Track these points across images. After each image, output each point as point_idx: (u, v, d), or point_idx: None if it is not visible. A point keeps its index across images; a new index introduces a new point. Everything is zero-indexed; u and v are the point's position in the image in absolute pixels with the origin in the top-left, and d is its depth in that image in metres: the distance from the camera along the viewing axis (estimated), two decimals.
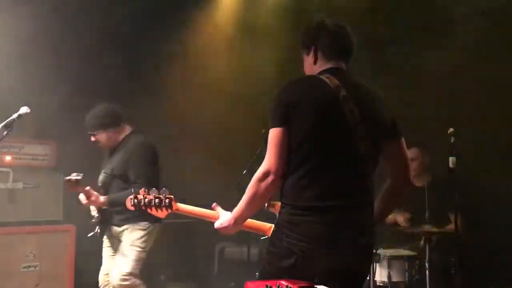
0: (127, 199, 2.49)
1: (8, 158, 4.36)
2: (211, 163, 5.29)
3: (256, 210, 2.16)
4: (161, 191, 2.45)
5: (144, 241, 3.59)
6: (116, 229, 3.67)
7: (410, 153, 4.40)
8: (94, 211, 3.69)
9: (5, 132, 2.95)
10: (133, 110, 4.71)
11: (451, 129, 3.58)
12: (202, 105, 5.49)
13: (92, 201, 3.46)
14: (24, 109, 3.04)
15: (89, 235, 3.72)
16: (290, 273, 1.99)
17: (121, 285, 3.50)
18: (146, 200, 2.43)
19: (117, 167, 3.60)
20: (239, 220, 2.18)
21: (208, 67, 5.55)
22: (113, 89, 5.25)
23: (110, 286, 3.67)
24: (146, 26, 5.41)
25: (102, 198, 3.49)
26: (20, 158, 4.44)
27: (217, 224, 2.25)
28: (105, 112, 3.64)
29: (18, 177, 4.37)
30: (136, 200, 2.45)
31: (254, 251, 4.66)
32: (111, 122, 3.64)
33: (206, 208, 2.40)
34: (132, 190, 2.56)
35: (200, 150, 5.34)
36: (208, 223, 2.35)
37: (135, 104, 4.97)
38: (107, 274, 3.70)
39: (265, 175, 2.04)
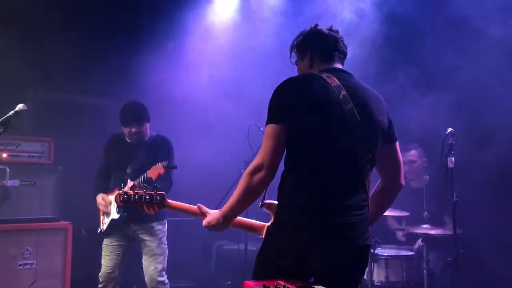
0: (116, 194, 2.35)
1: (4, 155, 4.32)
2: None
3: (246, 207, 2.07)
4: (151, 187, 2.30)
5: (165, 237, 3.81)
6: (134, 227, 3.74)
7: (410, 156, 4.44)
8: (112, 213, 3.68)
9: (1, 129, 2.91)
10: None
11: (449, 129, 3.57)
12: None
13: None
14: (20, 106, 3.00)
15: (98, 231, 3.82)
16: (285, 273, 1.95)
17: (158, 281, 3.68)
18: (136, 196, 2.27)
19: (147, 161, 3.61)
20: (228, 217, 2.11)
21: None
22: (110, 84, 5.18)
23: (113, 283, 3.73)
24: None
25: None
26: (17, 155, 4.39)
27: (205, 222, 2.19)
28: (144, 107, 3.83)
29: (15, 174, 4.32)
30: (125, 196, 2.27)
31: (252, 249, 4.64)
32: (149, 116, 3.84)
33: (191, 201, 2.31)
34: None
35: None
36: None
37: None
38: (112, 271, 3.74)
39: (258, 169, 1.97)
